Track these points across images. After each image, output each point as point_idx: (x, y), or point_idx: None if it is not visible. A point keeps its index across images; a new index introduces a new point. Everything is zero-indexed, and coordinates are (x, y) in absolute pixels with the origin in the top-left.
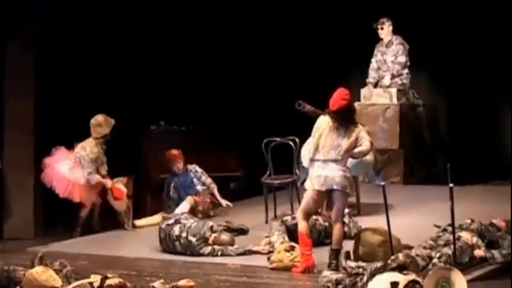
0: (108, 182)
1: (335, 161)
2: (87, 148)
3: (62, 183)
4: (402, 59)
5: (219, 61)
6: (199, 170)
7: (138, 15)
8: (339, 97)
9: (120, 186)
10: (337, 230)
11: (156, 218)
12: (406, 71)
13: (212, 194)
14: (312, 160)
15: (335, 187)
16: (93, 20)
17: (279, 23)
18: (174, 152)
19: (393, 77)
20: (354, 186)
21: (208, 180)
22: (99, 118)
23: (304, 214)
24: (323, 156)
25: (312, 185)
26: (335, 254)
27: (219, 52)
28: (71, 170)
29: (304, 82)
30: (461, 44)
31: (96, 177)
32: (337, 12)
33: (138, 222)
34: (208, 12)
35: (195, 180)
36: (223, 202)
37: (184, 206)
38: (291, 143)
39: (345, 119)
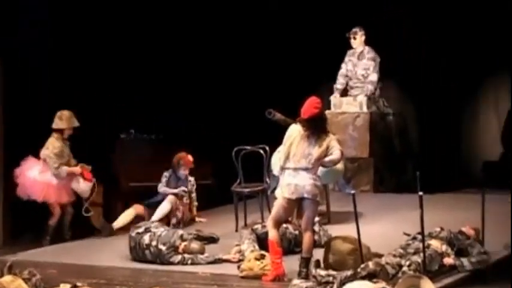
0: (77, 169)
1: (305, 169)
2: (49, 146)
3: (35, 188)
4: (374, 77)
5: (188, 69)
6: (194, 184)
7: (106, 28)
8: (310, 105)
9: (86, 167)
10: (307, 238)
11: (130, 212)
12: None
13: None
14: (283, 168)
15: (305, 195)
16: (61, 32)
17: (250, 32)
18: (190, 157)
19: (369, 99)
20: (324, 195)
21: (194, 195)
22: (64, 112)
23: (274, 222)
24: (293, 164)
25: (282, 193)
26: (305, 262)
27: (189, 60)
28: (41, 173)
29: (275, 90)
30: (431, 52)
31: (64, 169)
32: (308, 21)
33: (115, 224)
34: (176, 24)
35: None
36: (199, 219)
37: (165, 206)
38: (261, 152)
39: (316, 128)
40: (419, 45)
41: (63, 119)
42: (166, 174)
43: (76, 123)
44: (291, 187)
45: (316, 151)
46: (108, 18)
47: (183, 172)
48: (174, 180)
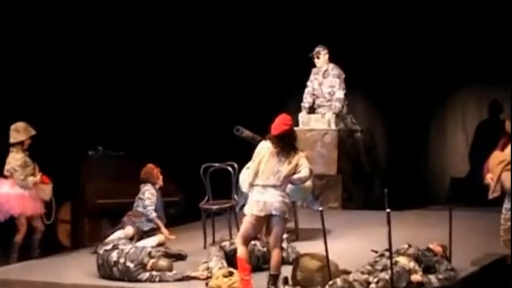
0: (37, 178)
1: (274, 186)
2: (11, 160)
3: (11, 203)
4: (340, 94)
5: (156, 86)
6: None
7: (71, 42)
8: (281, 122)
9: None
10: (275, 255)
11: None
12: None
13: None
14: (252, 185)
15: (274, 212)
16: (26, 47)
17: (217, 50)
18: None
19: (337, 116)
20: (293, 212)
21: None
22: (19, 124)
23: (243, 239)
24: (262, 181)
25: (250, 209)
26: (273, 279)
27: (157, 77)
28: (12, 187)
29: (243, 108)
30: (398, 69)
31: (30, 179)
32: (275, 39)
33: None
34: (142, 41)
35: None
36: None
37: (154, 241)
38: (230, 168)
39: (286, 145)
40: (387, 61)
41: (20, 131)
42: (151, 190)
43: (33, 132)
44: (259, 204)
45: (285, 168)
46: (71, 34)
47: (159, 183)
48: (157, 194)
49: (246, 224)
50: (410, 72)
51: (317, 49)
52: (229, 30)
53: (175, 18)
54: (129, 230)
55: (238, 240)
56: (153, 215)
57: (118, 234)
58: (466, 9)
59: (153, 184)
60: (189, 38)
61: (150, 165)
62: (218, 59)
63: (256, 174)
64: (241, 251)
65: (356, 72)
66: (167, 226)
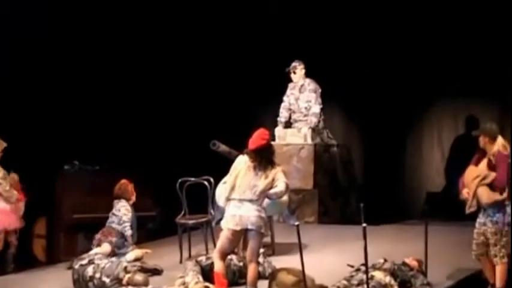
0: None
1: (250, 200)
2: None
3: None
4: (316, 109)
5: (132, 101)
6: None
7: (47, 57)
8: (258, 137)
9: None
10: (251, 270)
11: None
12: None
13: None
14: (228, 199)
15: (250, 227)
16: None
17: (193, 63)
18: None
19: (313, 130)
20: (269, 226)
21: None
22: None
23: (220, 254)
24: (239, 195)
25: (227, 224)
26: None
27: (134, 91)
28: None
29: (219, 122)
30: (375, 84)
31: (15, 193)
32: (252, 54)
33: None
34: (118, 56)
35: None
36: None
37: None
38: (206, 183)
39: (263, 159)
40: (363, 76)
41: None
42: (127, 206)
43: (4, 144)
44: (235, 218)
45: (262, 183)
46: (46, 47)
47: (133, 199)
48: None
49: (222, 238)
50: (386, 87)
51: (293, 64)
52: (205, 45)
53: (145, 40)
54: (105, 247)
55: (215, 255)
56: (129, 232)
57: (95, 251)
58: (446, 25)
59: (128, 200)
60: (165, 52)
61: (124, 181)
62: (195, 74)
63: (232, 189)
64: (218, 266)
65: (332, 86)
66: (143, 241)
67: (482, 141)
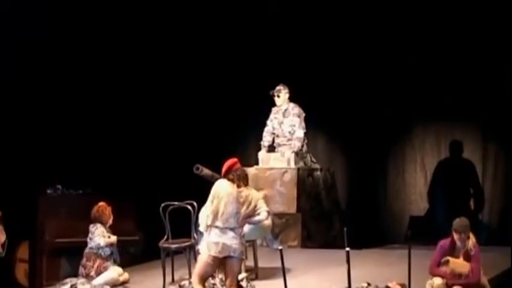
0: None
1: (233, 228)
2: None
3: None
4: (300, 133)
5: (114, 125)
6: None
7: (26, 81)
8: (228, 162)
9: None
10: None
11: None
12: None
13: None
14: (210, 226)
15: (232, 254)
16: None
17: (175, 87)
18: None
19: (297, 154)
20: (251, 250)
21: None
22: None
23: (199, 278)
24: (222, 223)
25: (208, 250)
26: None
27: (114, 115)
28: None
29: (201, 146)
30: (357, 108)
31: None
32: (235, 78)
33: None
34: (101, 80)
35: None
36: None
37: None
38: (189, 207)
39: (240, 179)
40: (316, 109)
41: None
42: (103, 230)
43: None
44: (218, 245)
45: (244, 210)
46: (24, 63)
47: (110, 223)
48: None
49: (202, 263)
50: (369, 112)
51: (278, 88)
52: (187, 66)
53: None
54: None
55: (195, 280)
56: (108, 253)
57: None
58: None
59: (105, 223)
60: (146, 77)
61: (101, 204)
62: (178, 99)
63: (215, 216)
64: None
65: (316, 111)
66: (125, 265)
67: (460, 236)
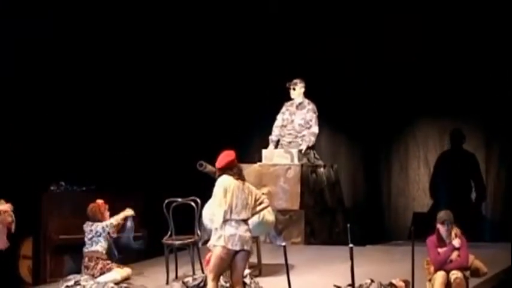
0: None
1: (245, 220)
2: None
3: None
4: (316, 129)
5: (118, 121)
6: None
7: (31, 75)
8: (224, 156)
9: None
10: None
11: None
12: None
13: None
14: (226, 220)
15: (245, 247)
16: None
17: (180, 83)
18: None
19: (308, 148)
20: (256, 246)
21: None
22: None
23: (214, 275)
24: (237, 216)
25: (225, 243)
26: None
27: (119, 110)
28: None
29: (205, 144)
30: (360, 105)
31: None
32: (238, 75)
33: None
34: (103, 75)
35: None
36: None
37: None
38: (193, 204)
39: (240, 174)
40: (320, 107)
41: None
42: (105, 228)
43: None
44: (235, 238)
45: (251, 201)
46: (27, 64)
47: (107, 219)
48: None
49: (217, 259)
50: (373, 108)
51: (295, 80)
52: (192, 63)
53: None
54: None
55: (210, 276)
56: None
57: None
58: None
59: (100, 222)
60: (150, 73)
61: (95, 204)
62: (182, 96)
63: (230, 209)
64: (212, 287)
65: (319, 108)
66: (129, 262)
67: (445, 228)
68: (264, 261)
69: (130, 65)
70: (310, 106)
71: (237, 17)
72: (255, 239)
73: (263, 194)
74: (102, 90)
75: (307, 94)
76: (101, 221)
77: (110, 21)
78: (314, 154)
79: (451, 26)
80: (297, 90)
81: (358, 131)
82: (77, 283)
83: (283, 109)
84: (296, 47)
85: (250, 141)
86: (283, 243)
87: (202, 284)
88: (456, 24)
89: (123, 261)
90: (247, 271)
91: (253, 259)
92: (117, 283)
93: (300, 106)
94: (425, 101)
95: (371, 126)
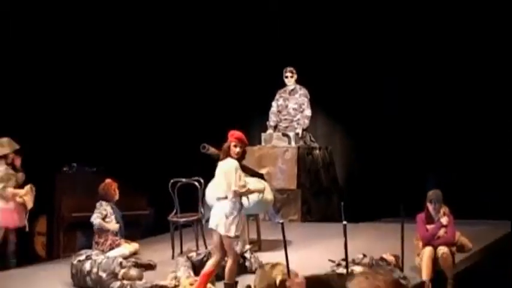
0: (19, 191)
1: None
2: None
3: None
4: (308, 112)
5: (126, 105)
6: None
7: (43, 59)
8: (242, 135)
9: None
10: (230, 265)
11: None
12: None
13: None
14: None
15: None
16: None
17: (184, 67)
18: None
19: (303, 130)
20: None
21: None
22: (3, 139)
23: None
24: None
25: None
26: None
27: (126, 95)
28: None
29: (208, 126)
30: (354, 89)
31: (9, 191)
32: (240, 58)
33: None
34: (109, 58)
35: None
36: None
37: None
38: (196, 183)
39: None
40: (315, 91)
41: (5, 145)
42: (109, 209)
43: (17, 146)
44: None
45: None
46: (41, 47)
47: (115, 199)
48: (114, 209)
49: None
50: (366, 91)
51: (290, 68)
52: (195, 49)
53: (139, 47)
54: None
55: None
56: (96, 221)
57: (119, 252)
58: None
59: (110, 200)
60: (157, 60)
61: (107, 181)
62: (187, 80)
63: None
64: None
65: (314, 93)
66: (137, 238)
67: (434, 206)
68: (263, 237)
69: (138, 53)
70: (302, 91)
71: (239, 10)
72: (255, 217)
73: (263, 174)
74: (111, 77)
75: (302, 80)
76: (110, 199)
77: (119, 10)
78: (310, 137)
79: (450, 26)
80: (293, 78)
81: (353, 115)
82: (88, 257)
83: (277, 96)
84: (293, 34)
85: (250, 125)
86: (281, 221)
87: (205, 259)
88: (455, 25)
89: (131, 238)
90: (247, 246)
91: (253, 235)
92: (125, 257)
93: (292, 92)
94: (421, 86)
95: (365, 111)
